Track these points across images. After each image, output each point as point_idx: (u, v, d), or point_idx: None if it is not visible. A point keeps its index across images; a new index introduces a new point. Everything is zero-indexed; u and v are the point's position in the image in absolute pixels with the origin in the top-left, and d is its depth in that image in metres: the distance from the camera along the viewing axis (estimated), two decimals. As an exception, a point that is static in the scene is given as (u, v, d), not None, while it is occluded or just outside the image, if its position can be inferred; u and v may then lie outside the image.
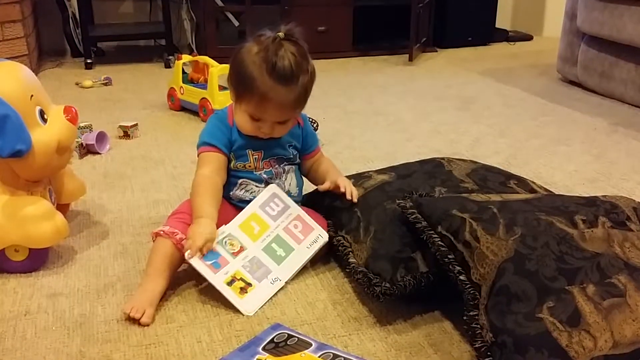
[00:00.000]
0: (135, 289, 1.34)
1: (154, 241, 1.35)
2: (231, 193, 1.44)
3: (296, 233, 1.40)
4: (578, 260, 1.09)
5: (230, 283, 1.29)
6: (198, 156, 1.43)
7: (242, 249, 1.35)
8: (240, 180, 1.44)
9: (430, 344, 1.18)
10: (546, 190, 1.50)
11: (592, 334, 0.99)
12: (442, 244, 1.18)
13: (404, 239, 1.29)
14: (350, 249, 1.35)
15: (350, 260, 1.32)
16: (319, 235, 1.42)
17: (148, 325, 1.23)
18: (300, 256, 1.39)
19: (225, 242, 1.34)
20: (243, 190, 1.44)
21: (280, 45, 1.31)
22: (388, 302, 1.24)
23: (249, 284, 1.30)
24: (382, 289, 1.21)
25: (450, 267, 1.16)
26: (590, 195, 1.33)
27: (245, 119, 1.38)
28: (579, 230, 1.15)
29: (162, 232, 1.33)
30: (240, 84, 1.36)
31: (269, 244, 1.38)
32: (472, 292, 1.11)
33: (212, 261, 1.30)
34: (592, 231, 1.15)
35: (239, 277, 1.30)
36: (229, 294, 1.28)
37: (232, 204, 1.44)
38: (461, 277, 1.14)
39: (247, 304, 1.28)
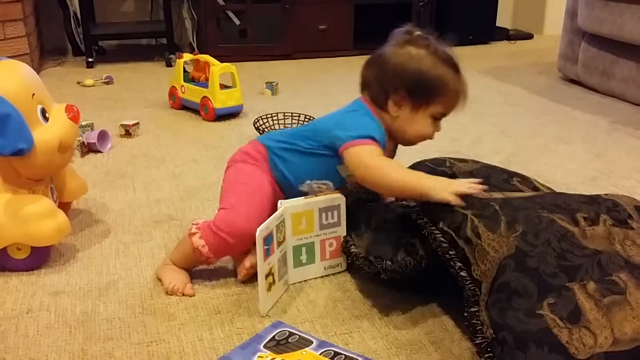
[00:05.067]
0: (137, 287, 1.35)
1: (189, 235, 1.33)
2: (308, 181, 1.37)
3: (327, 250, 1.39)
4: (579, 257, 1.09)
5: (266, 276, 1.26)
6: (351, 148, 1.29)
7: (283, 240, 1.32)
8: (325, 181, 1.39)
9: (431, 341, 1.19)
10: (549, 188, 1.50)
11: (592, 331, 0.99)
12: (444, 240, 1.19)
13: (404, 230, 1.30)
14: (352, 242, 1.36)
15: (352, 250, 1.33)
16: (340, 264, 1.41)
17: (193, 295, 1.31)
18: (314, 272, 1.38)
19: (279, 227, 1.30)
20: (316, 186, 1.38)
21: (434, 41, 1.34)
22: (390, 284, 1.24)
23: (274, 281, 1.29)
24: (385, 265, 1.22)
25: (451, 263, 1.16)
26: (592, 194, 1.33)
27: (428, 123, 1.36)
28: (580, 228, 1.15)
29: (192, 238, 1.32)
30: (427, 92, 1.33)
31: (301, 246, 1.36)
32: (472, 288, 1.12)
33: (267, 247, 1.25)
34: (593, 229, 1.15)
35: (273, 272, 1.28)
36: (262, 288, 1.25)
37: (283, 187, 1.39)
38: (462, 274, 1.14)
39: (267, 302, 1.27)
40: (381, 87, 1.35)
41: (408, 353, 1.16)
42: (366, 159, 1.28)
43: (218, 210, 1.36)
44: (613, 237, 1.15)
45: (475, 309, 1.09)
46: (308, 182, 1.37)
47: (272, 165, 1.40)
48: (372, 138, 1.30)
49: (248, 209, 1.31)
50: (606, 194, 1.28)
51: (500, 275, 1.08)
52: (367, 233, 1.34)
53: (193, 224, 1.34)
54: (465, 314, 1.11)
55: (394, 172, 1.25)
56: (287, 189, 1.40)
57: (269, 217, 1.27)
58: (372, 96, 1.38)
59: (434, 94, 1.32)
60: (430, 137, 1.40)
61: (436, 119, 1.37)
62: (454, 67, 1.33)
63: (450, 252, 1.17)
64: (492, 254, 1.11)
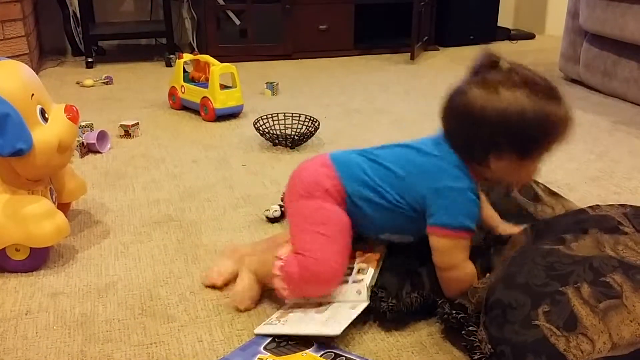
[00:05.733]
0: (137, 288, 1.35)
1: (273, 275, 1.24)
2: (387, 234, 1.28)
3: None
4: (568, 265, 1.09)
5: None
6: (447, 238, 1.17)
7: None
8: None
9: (432, 343, 1.18)
10: (550, 191, 1.49)
11: (589, 337, 0.98)
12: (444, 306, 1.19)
13: (408, 252, 1.29)
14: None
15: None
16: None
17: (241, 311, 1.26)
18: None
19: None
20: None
21: (524, 70, 1.13)
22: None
23: None
24: (389, 305, 1.19)
25: (451, 318, 1.16)
26: (579, 208, 1.32)
27: (533, 167, 1.20)
28: (567, 244, 1.15)
29: (275, 280, 1.24)
30: (535, 140, 1.14)
31: None
32: (475, 316, 1.12)
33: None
34: (578, 242, 1.15)
35: None
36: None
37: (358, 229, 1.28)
38: (461, 316, 1.14)
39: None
40: (478, 143, 1.15)
41: (409, 355, 1.15)
42: (458, 259, 1.18)
43: (299, 252, 1.22)
44: (603, 245, 1.14)
45: (473, 329, 1.09)
46: (388, 234, 1.28)
47: (349, 210, 1.25)
48: (471, 230, 1.18)
49: (335, 259, 1.21)
50: (592, 206, 1.27)
51: (491, 296, 1.09)
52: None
53: (278, 258, 1.23)
54: (463, 332, 1.11)
55: (466, 284, 1.18)
56: (360, 230, 1.29)
57: (349, 255, 1.24)
58: (464, 151, 1.18)
59: (543, 139, 1.14)
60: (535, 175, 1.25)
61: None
62: (557, 96, 1.13)
63: (447, 311, 1.16)
64: (481, 287, 1.13)
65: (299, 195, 1.26)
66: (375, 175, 1.24)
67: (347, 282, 1.22)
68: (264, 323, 1.20)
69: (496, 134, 1.12)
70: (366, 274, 1.21)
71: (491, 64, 1.13)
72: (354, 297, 1.19)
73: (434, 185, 1.18)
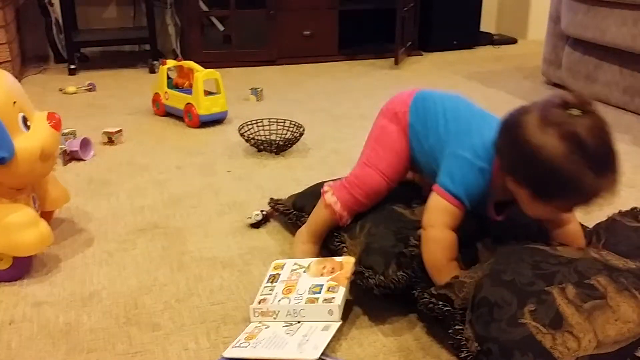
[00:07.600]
0: (122, 297, 1.33)
1: (322, 193, 1.41)
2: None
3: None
4: (554, 265, 1.10)
5: None
6: (439, 197, 1.22)
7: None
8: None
9: (419, 347, 1.18)
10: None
11: (575, 335, 1.00)
12: (425, 297, 1.18)
13: (397, 235, 1.29)
14: (344, 245, 1.36)
15: (343, 254, 1.34)
16: None
17: None
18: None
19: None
20: None
21: (591, 125, 1.09)
22: (382, 298, 1.22)
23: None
24: (377, 281, 1.21)
25: (436, 308, 1.15)
26: None
27: (549, 211, 1.17)
28: (552, 246, 1.18)
29: (325, 195, 1.39)
30: (550, 192, 1.10)
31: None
32: (460, 313, 1.12)
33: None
34: (564, 247, 1.19)
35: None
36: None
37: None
38: (447, 309, 1.14)
39: None
40: (506, 158, 1.15)
41: (396, 359, 1.15)
42: (440, 220, 1.21)
43: (359, 161, 1.41)
44: (588, 251, 1.17)
45: (460, 327, 1.09)
46: (425, 177, 1.38)
47: (409, 140, 1.36)
48: (462, 202, 1.20)
49: (382, 172, 1.36)
50: None
51: (478, 293, 1.09)
52: (360, 237, 1.34)
53: (325, 184, 1.42)
54: (450, 332, 1.11)
55: (439, 252, 1.21)
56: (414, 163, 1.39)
57: (402, 175, 1.39)
58: (498, 153, 1.18)
59: (560, 195, 1.09)
60: (554, 219, 1.26)
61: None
62: (601, 164, 1.07)
63: (432, 301, 1.15)
64: (468, 281, 1.13)
65: (379, 113, 1.44)
66: (432, 120, 1.33)
67: (317, 300, 1.21)
68: (232, 345, 1.16)
69: (519, 166, 1.11)
70: (337, 293, 1.21)
71: (562, 104, 1.09)
72: (325, 317, 1.19)
73: (455, 150, 1.24)
